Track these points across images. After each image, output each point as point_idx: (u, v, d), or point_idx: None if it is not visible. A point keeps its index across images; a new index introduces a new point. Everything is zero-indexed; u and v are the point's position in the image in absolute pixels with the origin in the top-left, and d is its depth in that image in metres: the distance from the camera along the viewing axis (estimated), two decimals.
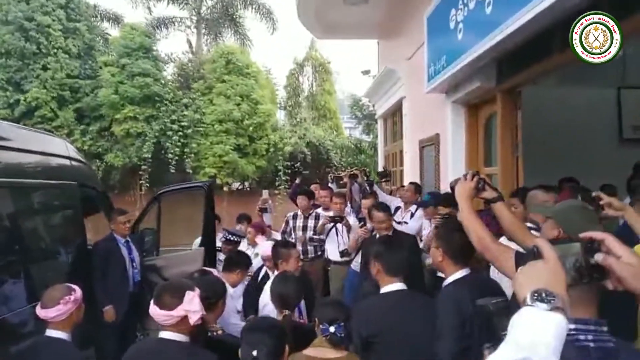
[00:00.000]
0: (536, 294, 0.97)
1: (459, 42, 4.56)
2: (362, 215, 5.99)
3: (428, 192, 5.48)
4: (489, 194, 2.45)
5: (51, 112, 14.92)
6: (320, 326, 2.49)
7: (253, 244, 5.66)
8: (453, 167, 5.55)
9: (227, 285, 3.53)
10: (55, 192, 4.42)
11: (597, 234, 1.23)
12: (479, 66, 4.52)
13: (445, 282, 2.52)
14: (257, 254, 5.54)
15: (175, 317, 2.19)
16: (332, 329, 2.44)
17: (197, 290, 2.29)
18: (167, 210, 5.85)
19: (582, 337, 1.23)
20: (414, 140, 7.25)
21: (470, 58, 4.30)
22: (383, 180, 7.11)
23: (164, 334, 2.21)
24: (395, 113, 9.00)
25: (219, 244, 5.54)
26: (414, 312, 2.60)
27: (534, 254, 1.12)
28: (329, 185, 6.83)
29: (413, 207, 5.59)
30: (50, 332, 2.62)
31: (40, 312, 2.62)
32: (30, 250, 3.83)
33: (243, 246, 5.59)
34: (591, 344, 1.22)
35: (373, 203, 4.81)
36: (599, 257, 1.18)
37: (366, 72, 15.02)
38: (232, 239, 5.20)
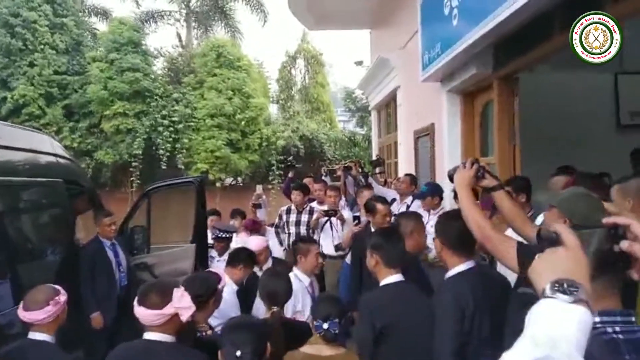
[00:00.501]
0: (557, 285, 0.88)
1: (453, 29, 4.47)
2: (357, 211, 5.92)
3: (425, 183, 5.40)
4: (488, 182, 2.39)
5: (39, 110, 14.73)
6: (314, 323, 2.44)
7: (240, 232, 5.62)
8: (449, 157, 5.47)
9: (231, 281, 3.50)
10: (41, 190, 4.31)
11: (622, 219, 1.14)
12: (474, 53, 4.43)
13: (447, 275, 2.44)
14: None
15: (166, 315, 2.12)
16: (325, 325, 2.38)
17: (182, 288, 2.21)
18: (157, 207, 5.75)
19: (609, 329, 1.14)
20: (409, 131, 7.16)
21: (466, 45, 4.22)
22: (377, 171, 7.02)
23: (150, 335, 2.12)
24: (389, 104, 8.90)
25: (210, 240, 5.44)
26: (417, 303, 2.55)
27: (552, 241, 1.03)
28: (323, 178, 6.74)
29: (409, 199, 5.51)
30: (34, 335, 2.51)
31: (25, 314, 2.51)
32: (16, 250, 3.72)
33: (235, 242, 5.49)
34: (620, 336, 1.14)
35: (372, 196, 4.72)
36: (624, 245, 1.10)
37: (359, 63, 14.90)
38: (222, 235, 5.11)
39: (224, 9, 19.47)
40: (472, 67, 4.66)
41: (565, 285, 0.88)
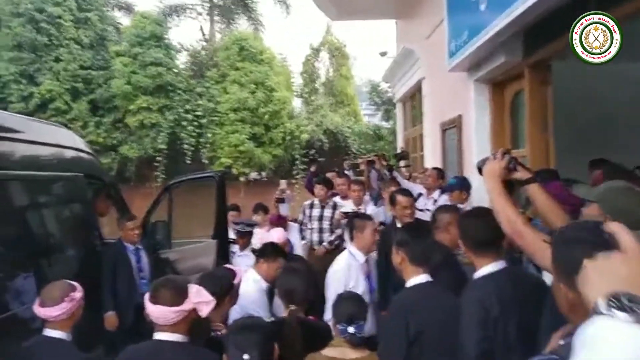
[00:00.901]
0: (614, 299, 0.73)
1: (481, 15, 4.30)
2: (381, 205, 5.81)
3: (454, 177, 5.23)
4: (521, 174, 2.25)
5: (65, 105, 15.00)
6: (338, 326, 2.31)
7: (263, 227, 5.59)
8: (477, 150, 5.29)
9: (260, 278, 3.40)
10: (62, 184, 4.32)
11: None
12: (503, 40, 4.25)
13: (475, 276, 2.31)
14: None
15: (185, 312, 2.06)
16: (351, 329, 2.26)
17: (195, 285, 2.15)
18: (179, 202, 5.74)
19: None
20: (435, 123, 6.99)
21: (494, 32, 4.05)
22: (402, 165, 6.86)
23: (160, 335, 2.06)
24: (415, 95, 8.73)
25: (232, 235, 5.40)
26: (447, 305, 2.40)
27: (606, 243, 0.88)
28: (345, 172, 6.65)
29: (436, 193, 5.36)
30: (50, 332, 2.47)
31: (40, 310, 2.47)
32: (37, 244, 3.75)
33: (257, 236, 5.45)
34: None
35: (395, 189, 4.62)
36: None
37: (384, 54, 14.68)
38: (244, 230, 5.06)
39: (247, 2, 19.48)
40: (500, 55, 4.48)
41: (624, 300, 0.73)
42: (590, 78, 5.41)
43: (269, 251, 3.57)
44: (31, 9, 14.68)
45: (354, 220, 3.67)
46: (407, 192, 4.32)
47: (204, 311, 2.09)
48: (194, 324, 2.15)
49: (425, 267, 2.52)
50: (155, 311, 2.05)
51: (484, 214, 2.16)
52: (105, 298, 4.47)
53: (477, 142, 5.36)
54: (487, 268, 2.23)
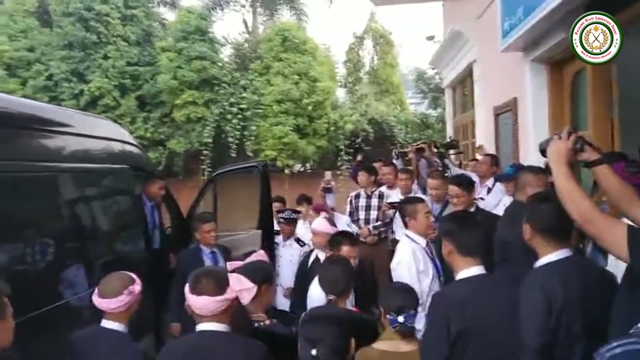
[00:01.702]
0: None
1: None
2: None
3: (512, 164, 4.99)
4: (588, 155, 2.09)
5: (114, 101, 15.44)
6: (387, 316, 2.25)
7: (307, 218, 5.54)
8: (535, 134, 5.06)
9: None
10: (110, 176, 4.42)
11: None
12: (562, 15, 4.01)
13: (537, 264, 2.16)
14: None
15: (229, 300, 2.05)
16: (400, 318, 2.19)
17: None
18: (223, 193, 5.78)
19: None
20: (488, 107, 6.75)
21: (553, 6, 3.83)
22: (452, 152, 6.63)
23: (205, 326, 2.03)
24: (465, 80, 8.46)
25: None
26: (503, 300, 2.25)
27: None
28: (393, 161, 6.49)
29: (490, 181, 5.15)
30: (107, 324, 2.50)
31: (100, 301, 2.49)
32: (87, 235, 3.84)
33: (300, 227, 5.42)
34: None
35: (439, 185, 4.48)
36: None
37: (430, 38, 14.32)
38: (288, 217, 5.04)
39: None
40: (560, 31, 4.24)
41: None
42: None
43: (336, 240, 3.50)
44: (80, 7, 15.13)
45: (405, 206, 3.58)
46: (458, 180, 4.18)
47: (246, 298, 2.06)
48: (233, 316, 2.11)
49: (478, 259, 2.35)
50: (199, 302, 2.03)
51: (556, 198, 2.01)
52: (172, 306, 4.39)
53: (534, 126, 5.12)
54: (551, 256, 2.11)
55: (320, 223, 4.22)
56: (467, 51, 7.54)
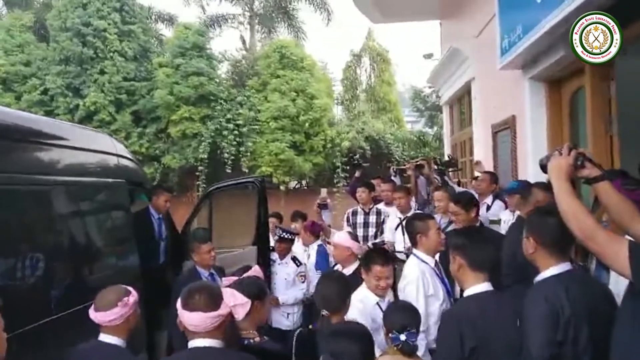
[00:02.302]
0: None
1: (537, 6, 4.13)
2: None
3: (516, 180, 4.96)
4: (589, 171, 2.10)
5: (109, 116, 15.47)
6: (390, 334, 2.24)
7: (307, 242, 5.46)
8: (533, 151, 5.07)
9: (368, 291, 3.12)
10: (104, 190, 4.39)
11: None
12: (561, 33, 4.05)
13: (538, 278, 2.16)
14: (309, 256, 5.35)
15: (223, 316, 2.02)
16: (403, 337, 2.18)
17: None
18: (219, 209, 5.76)
19: None
20: (486, 125, 6.78)
21: (551, 24, 3.87)
22: (451, 170, 6.64)
23: (198, 342, 1.99)
24: (463, 97, 8.52)
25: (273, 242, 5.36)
26: (508, 316, 2.25)
27: None
28: (392, 178, 6.50)
29: (489, 199, 5.15)
30: (104, 337, 2.47)
31: (95, 315, 2.46)
32: (79, 249, 3.80)
33: (297, 245, 5.38)
34: None
35: (448, 195, 4.45)
36: None
37: (429, 56, 14.43)
38: (285, 236, 4.98)
39: (287, 10, 19.67)
40: (559, 49, 4.27)
41: None
42: None
43: (370, 257, 3.28)
44: (78, 23, 15.24)
45: (415, 222, 3.41)
46: (457, 198, 4.17)
47: (240, 314, 2.03)
48: (227, 330, 2.09)
49: (486, 274, 2.37)
50: (192, 318, 1.99)
51: (558, 211, 2.02)
52: (173, 333, 4.34)
53: (533, 144, 5.13)
54: (553, 269, 2.13)
55: (341, 236, 4.05)
56: (465, 69, 7.61)
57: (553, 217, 2.04)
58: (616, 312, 1.92)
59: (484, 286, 2.34)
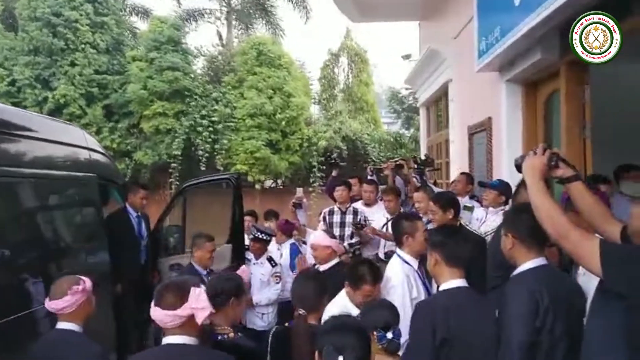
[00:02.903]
0: None
1: (515, 9, 4.19)
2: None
3: (498, 179, 5.02)
4: (563, 171, 2.16)
5: (80, 110, 15.17)
6: (375, 333, 2.24)
7: (279, 241, 5.45)
8: (508, 154, 5.16)
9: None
10: (74, 185, 4.31)
11: None
12: (539, 36, 4.14)
13: (516, 272, 2.26)
14: (282, 255, 5.33)
15: (181, 317, 2.00)
16: (389, 335, 2.19)
17: (203, 287, 2.08)
18: (193, 206, 5.71)
19: None
20: (462, 127, 6.87)
21: (529, 27, 3.94)
22: (428, 169, 6.70)
23: (171, 339, 1.99)
24: (440, 99, 8.62)
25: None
26: (483, 312, 2.31)
27: None
28: (370, 178, 6.52)
29: (466, 199, 5.22)
30: (61, 324, 2.58)
31: (49, 304, 2.58)
32: (47, 245, 3.73)
33: (272, 245, 5.35)
34: None
35: (427, 195, 4.49)
36: None
37: (407, 57, 14.53)
38: (260, 236, 4.94)
39: (265, 6, 19.58)
40: (536, 52, 4.36)
41: None
42: (632, 77, 5.25)
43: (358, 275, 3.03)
44: (48, 13, 14.89)
45: (402, 222, 3.37)
46: (436, 197, 4.23)
47: (199, 318, 2.02)
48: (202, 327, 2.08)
49: (462, 271, 2.43)
50: (155, 314, 2.01)
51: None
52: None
53: (508, 146, 5.23)
54: (530, 263, 2.23)
55: (319, 237, 4.04)
56: (443, 70, 7.69)
57: (528, 213, 2.10)
58: (588, 306, 1.99)
59: (459, 282, 2.41)
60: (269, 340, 2.64)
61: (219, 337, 2.36)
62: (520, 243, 2.25)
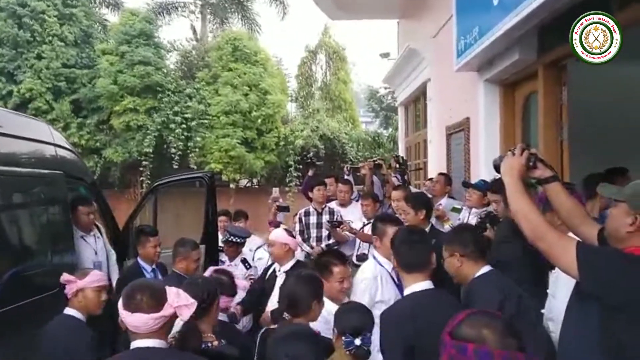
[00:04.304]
0: None
1: (494, 9, 4.26)
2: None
3: (482, 180, 5.07)
4: (541, 172, 2.20)
5: (46, 104, 14.86)
6: (343, 338, 2.21)
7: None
8: (486, 154, 5.23)
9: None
10: (39, 182, 4.20)
11: None
12: (517, 36, 4.21)
13: (475, 276, 2.50)
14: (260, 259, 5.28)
15: (166, 317, 1.97)
16: (357, 341, 2.16)
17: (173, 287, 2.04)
18: (164, 205, 5.63)
19: None
20: (440, 127, 6.94)
21: (507, 27, 4.01)
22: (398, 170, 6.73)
23: (141, 342, 1.94)
24: (419, 98, 8.69)
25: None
26: (451, 313, 2.33)
27: None
28: (346, 177, 6.52)
29: (443, 200, 5.27)
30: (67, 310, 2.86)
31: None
32: (10, 245, 3.64)
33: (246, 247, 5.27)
34: None
35: (405, 195, 4.50)
36: None
37: (385, 55, 14.60)
38: (232, 239, 4.81)
39: (241, 1, 19.48)
40: (514, 52, 4.44)
41: None
42: (609, 79, 5.36)
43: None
44: (14, 3, 14.53)
45: (376, 223, 3.47)
46: (409, 197, 4.26)
47: (185, 314, 1.98)
48: (184, 336, 2.04)
49: (425, 273, 2.45)
50: (134, 320, 1.94)
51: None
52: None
53: (486, 146, 5.30)
54: (482, 270, 2.54)
55: (278, 233, 4.01)
56: (421, 70, 7.75)
57: (466, 230, 2.45)
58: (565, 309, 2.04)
59: (423, 285, 2.41)
60: (257, 342, 2.59)
61: (203, 346, 2.31)
62: (467, 260, 2.51)
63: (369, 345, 2.21)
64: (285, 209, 6.40)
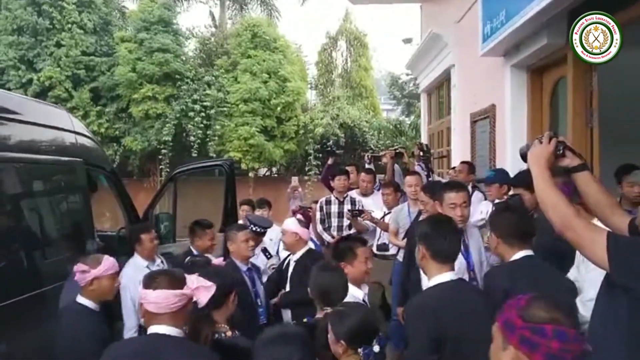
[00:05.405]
0: None
1: None
2: (403, 201, 5.65)
3: (493, 169, 5.03)
4: (570, 160, 2.15)
5: (66, 92, 15.08)
6: (360, 350, 2.14)
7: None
8: (512, 142, 5.17)
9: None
10: (59, 169, 4.27)
11: None
12: (546, 20, 4.13)
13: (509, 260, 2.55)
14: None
15: (187, 296, 2.03)
16: (376, 348, 2.11)
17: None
18: (184, 193, 5.69)
19: None
20: (464, 114, 6.86)
21: (536, 10, 3.93)
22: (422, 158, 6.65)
23: (157, 329, 1.98)
24: (442, 85, 8.59)
25: None
26: (477, 304, 2.33)
27: None
28: (367, 166, 6.50)
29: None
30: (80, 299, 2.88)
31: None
32: (30, 231, 3.70)
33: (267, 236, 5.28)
34: None
35: (417, 182, 4.50)
36: None
37: (408, 41, 14.47)
38: (254, 229, 4.80)
39: None
40: (542, 36, 4.35)
41: None
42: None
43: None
44: None
45: (340, 247, 3.15)
46: (427, 187, 4.27)
47: (203, 298, 2.01)
48: (196, 325, 2.07)
49: (451, 264, 2.43)
50: (156, 297, 1.99)
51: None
52: None
53: (512, 134, 5.23)
54: (520, 253, 2.55)
55: (289, 222, 4.13)
56: (445, 55, 7.66)
57: (507, 211, 2.42)
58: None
59: (448, 275, 2.38)
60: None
61: (216, 336, 2.33)
62: (503, 242, 2.56)
63: (384, 346, 2.20)
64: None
